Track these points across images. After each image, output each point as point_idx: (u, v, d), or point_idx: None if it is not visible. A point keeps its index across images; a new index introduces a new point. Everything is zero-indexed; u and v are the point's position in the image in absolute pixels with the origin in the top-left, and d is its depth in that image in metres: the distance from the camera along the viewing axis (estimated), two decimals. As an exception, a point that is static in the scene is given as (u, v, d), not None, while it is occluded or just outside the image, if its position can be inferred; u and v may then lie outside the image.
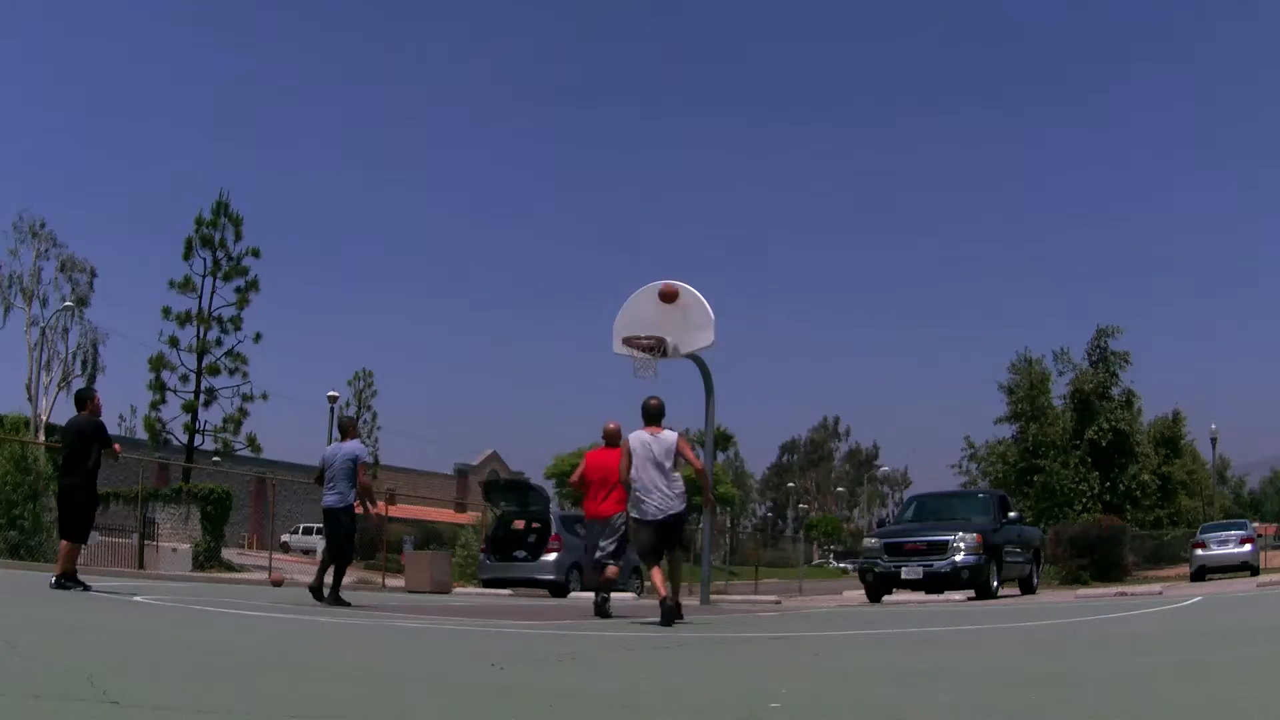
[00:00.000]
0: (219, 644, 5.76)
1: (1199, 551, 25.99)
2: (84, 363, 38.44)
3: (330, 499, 10.68)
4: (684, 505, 8.71)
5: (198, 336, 33.57)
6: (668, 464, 8.56)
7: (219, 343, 33.81)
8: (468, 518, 32.87)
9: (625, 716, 3.38)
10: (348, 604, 10.32)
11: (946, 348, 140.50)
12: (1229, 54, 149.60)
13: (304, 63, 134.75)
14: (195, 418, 33.43)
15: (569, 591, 17.51)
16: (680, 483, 8.66)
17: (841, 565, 69.66)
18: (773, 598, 20.08)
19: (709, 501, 11.03)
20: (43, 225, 38.20)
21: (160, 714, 3.05)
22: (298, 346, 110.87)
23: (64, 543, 10.11)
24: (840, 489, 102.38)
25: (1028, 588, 18.52)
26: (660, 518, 8.53)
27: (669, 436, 8.66)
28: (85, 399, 10.76)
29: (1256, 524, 36.81)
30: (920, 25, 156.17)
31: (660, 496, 8.51)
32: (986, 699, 3.74)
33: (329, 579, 10.60)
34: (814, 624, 9.84)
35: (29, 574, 14.55)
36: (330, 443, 13.76)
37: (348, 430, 11.58)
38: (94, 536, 22.05)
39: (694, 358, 15.52)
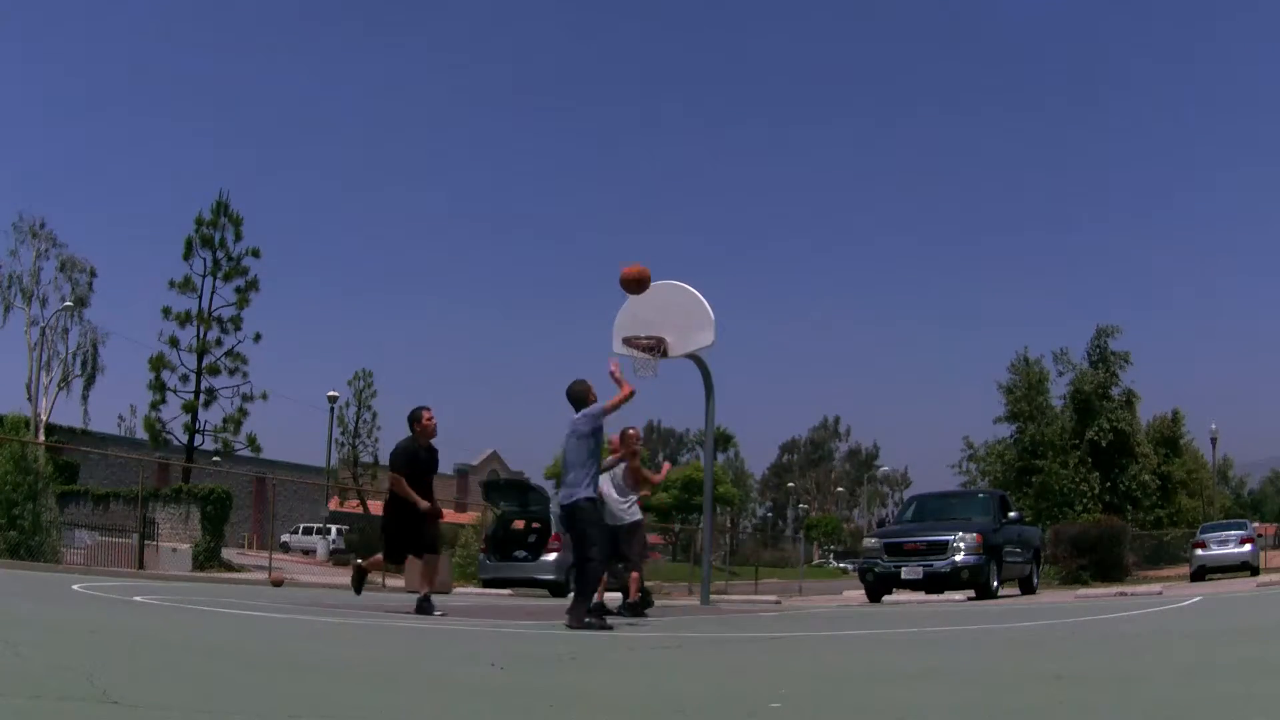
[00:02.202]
0: (219, 644, 5.76)
1: (1199, 551, 25.97)
2: (84, 363, 38.42)
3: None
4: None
5: (198, 336, 33.58)
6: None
7: (219, 343, 33.82)
8: (468, 518, 32.87)
9: (625, 716, 3.38)
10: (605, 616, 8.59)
11: (947, 348, 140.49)
12: (1230, 53, 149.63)
13: (305, 63, 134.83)
14: (195, 418, 33.45)
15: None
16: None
17: (841, 565, 69.59)
18: (773, 598, 20.07)
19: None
20: (43, 225, 38.20)
21: (160, 714, 3.05)
22: (298, 346, 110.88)
23: (410, 559, 10.08)
24: (840, 489, 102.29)
25: (1028, 588, 18.51)
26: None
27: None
28: (413, 420, 9.78)
29: (1256, 524, 36.79)
30: (921, 24, 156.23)
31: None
32: (986, 699, 3.74)
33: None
34: (814, 624, 9.83)
35: (29, 574, 14.55)
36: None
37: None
38: (94, 536, 22.14)
39: (694, 358, 15.53)
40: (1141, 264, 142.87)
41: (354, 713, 3.29)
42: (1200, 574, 25.38)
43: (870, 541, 17.73)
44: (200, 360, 33.47)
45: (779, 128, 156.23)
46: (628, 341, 15.30)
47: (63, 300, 37.68)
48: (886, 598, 16.63)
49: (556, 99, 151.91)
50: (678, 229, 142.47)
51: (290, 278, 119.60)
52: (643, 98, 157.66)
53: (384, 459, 46.64)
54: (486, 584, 19.08)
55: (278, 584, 17.99)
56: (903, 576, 16.03)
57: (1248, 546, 26.00)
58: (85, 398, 38.57)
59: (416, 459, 9.61)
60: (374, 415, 44.77)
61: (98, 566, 19.22)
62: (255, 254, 34.49)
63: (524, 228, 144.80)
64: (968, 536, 15.78)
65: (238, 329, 33.99)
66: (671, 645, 6.57)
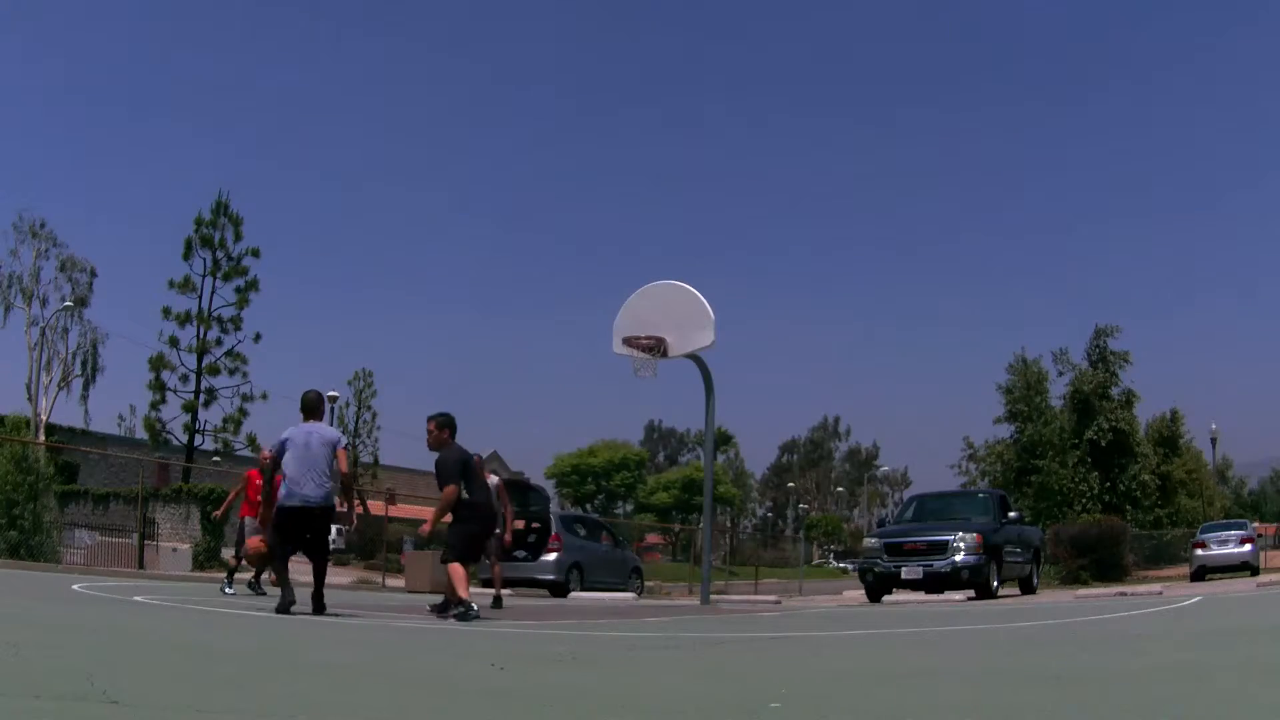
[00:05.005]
0: (218, 644, 5.76)
1: (1199, 551, 25.96)
2: (84, 363, 38.49)
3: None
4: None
5: (198, 336, 33.62)
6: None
7: (219, 343, 33.86)
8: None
9: (625, 716, 3.38)
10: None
11: (946, 348, 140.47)
12: (1230, 55, 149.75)
13: (304, 62, 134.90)
14: (195, 418, 33.47)
15: (569, 591, 17.51)
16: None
17: (841, 565, 69.62)
18: (773, 598, 20.07)
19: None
20: (43, 225, 38.29)
21: (160, 714, 3.05)
22: (298, 346, 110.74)
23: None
24: (840, 489, 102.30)
25: (1028, 588, 18.50)
26: None
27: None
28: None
29: (1256, 524, 36.74)
30: (919, 23, 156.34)
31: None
32: (986, 699, 3.74)
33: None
34: (814, 624, 9.83)
35: (30, 574, 14.55)
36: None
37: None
38: (94, 536, 22.15)
39: (694, 358, 15.52)
40: (1142, 264, 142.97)
41: (354, 713, 3.28)
42: (1200, 574, 25.37)
43: (870, 541, 17.71)
44: (200, 360, 33.50)
45: (778, 127, 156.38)
46: (628, 341, 15.31)
47: (63, 300, 37.76)
48: (886, 598, 16.62)
49: (557, 98, 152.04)
50: (679, 229, 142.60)
51: (290, 278, 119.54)
52: (644, 97, 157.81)
53: (384, 459, 46.74)
54: (486, 584, 19.07)
55: (277, 584, 17.95)
56: (903, 576, 16.02)
57: (1248, 546, 25.97)
58: (85, 398, 38.68)
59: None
60: (374, 415, 44.87)
61: (98, 566, 19.23)
62: (255, 254, 34.57)
63: (525, 227, 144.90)
64: (968, 536, 15.77)
65: (238, 329, 34.05)
66: (671, 645, 6.58)
